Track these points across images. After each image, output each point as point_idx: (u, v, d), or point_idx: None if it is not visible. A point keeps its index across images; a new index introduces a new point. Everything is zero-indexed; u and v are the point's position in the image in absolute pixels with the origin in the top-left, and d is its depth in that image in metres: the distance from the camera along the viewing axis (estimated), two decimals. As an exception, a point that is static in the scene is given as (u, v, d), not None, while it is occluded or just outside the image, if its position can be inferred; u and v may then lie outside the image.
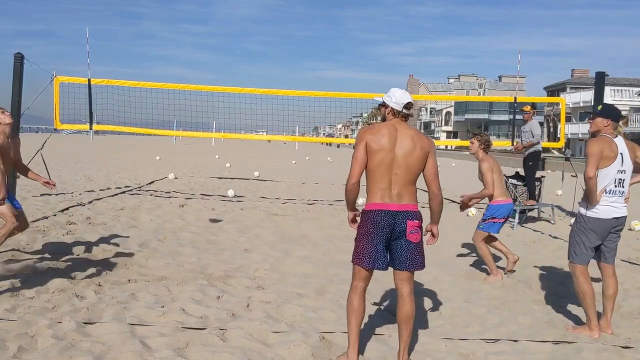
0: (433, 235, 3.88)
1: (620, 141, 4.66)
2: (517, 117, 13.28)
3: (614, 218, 4.64)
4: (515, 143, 11.87)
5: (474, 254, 7.69)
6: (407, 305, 3.76)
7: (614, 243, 4.77)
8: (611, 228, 4.68)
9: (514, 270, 6.55)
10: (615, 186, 4.61)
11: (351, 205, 3.85)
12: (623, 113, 4.91)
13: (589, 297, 4.64)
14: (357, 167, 3.72)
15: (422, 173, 3.80)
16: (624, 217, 4.72)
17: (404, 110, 3.82)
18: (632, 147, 4.77)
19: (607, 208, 4.61)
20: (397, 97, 3.82)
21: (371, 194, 3.75)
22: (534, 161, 10.82)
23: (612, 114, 4.69)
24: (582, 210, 4.72)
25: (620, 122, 4.71)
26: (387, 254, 3.76)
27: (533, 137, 10.76)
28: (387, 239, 3.72)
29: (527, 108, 11.03)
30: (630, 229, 9.92)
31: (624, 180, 4.65)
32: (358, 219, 3.85)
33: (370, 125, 3.93)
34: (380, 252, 3.71)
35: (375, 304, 5.27)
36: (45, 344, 3.88)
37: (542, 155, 11.52)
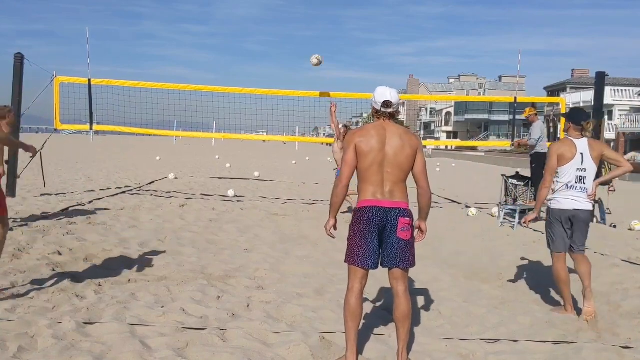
0: (421, 230, 3.92)
1: (582, 142, 5.10)
2: (517, 117, 13.29)
3: (575, 209, 5.09)
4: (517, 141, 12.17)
5: (473, 254, 7.71)
6: (403, 303, 3.76)
7: (581, 234, 5.15)
8: (572, 217, 5.11)
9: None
10: (576, 182, 5.10)
11: (336, 209, 3.85)
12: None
13: (564, 283, 5.19)
14: (347, 170, 3.76)
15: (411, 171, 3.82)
16: (588, 211, 5.15)
17: (382, 109, 3.80)
18: (599, 147, 5.18)
19: (567, 200, 5.11)
20: (375, 97, 3.83)
21: (363, 192, 3.77)
22: (537, 163, 10.77)
23: (569, 116, 5.23)
24: (548, 204, 5.28)
25: (584, 125, 5.11)
26: (379, 252, 3.76)
27: (530, 140, 10.76)
28: (379, 236, 3.73)
29: (527, 111, 10.93)
30: (630, 229, 9.93)
31: (584, 177, 5.09)
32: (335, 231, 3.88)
33: (359, 127, 3.95)
34: (373, 249, 3.71)
35: (372, 302, 5.27)
36: (45, 344, 3.88)
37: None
